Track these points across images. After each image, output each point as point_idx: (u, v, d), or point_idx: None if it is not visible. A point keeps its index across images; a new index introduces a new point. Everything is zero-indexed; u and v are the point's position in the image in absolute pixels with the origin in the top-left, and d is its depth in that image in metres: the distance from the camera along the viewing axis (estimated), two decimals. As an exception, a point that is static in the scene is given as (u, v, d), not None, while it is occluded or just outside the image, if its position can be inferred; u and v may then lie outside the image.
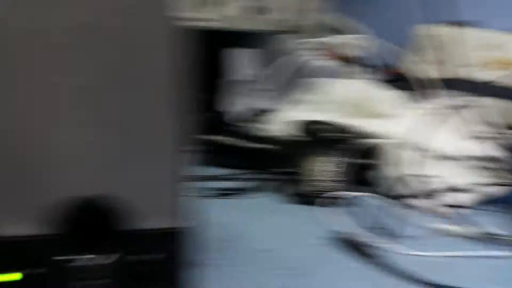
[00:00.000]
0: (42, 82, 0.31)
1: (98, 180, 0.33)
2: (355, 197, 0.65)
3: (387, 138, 0.71)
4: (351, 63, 0.95)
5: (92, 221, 0.33)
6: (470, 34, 0.92)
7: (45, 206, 0.32)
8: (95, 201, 0.33)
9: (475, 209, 0.63)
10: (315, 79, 0.87)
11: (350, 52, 0.96)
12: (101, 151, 0.33)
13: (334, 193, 0.64)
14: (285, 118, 0.76)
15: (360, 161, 0.68)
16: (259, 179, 0.66)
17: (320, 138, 0.65)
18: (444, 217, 0.60)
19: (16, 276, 0.32)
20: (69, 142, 0.32)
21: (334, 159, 0.65)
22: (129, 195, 0.33)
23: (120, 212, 0.33)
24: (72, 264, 0.33)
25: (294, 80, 0.87)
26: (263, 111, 0.87)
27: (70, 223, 0.33)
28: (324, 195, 0.64)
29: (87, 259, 0.33)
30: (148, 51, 0.32)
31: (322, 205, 0.63)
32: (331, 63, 0.94)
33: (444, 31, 0.92)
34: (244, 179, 0.68)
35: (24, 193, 0.32)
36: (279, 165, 0.67)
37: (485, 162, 0.68)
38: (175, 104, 0.33)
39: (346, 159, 0.66)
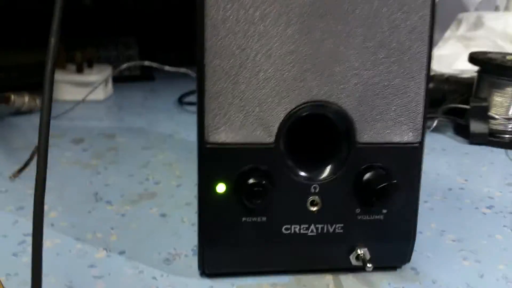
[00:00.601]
0: None
1: (337, 90, 0.28)
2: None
3: None
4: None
5: (328, 131, 0.29)
6: None
7: (268, 114, 0.28)
8: (331, 112, 0.29)
9: None
10: (472, 13, 0.78)
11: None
12: (352, 63, 0.28)
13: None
14: (445, 54, 0.68)
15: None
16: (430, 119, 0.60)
17: (497, 69, 0.57)
18: None
19: (224, 187, 0.29)
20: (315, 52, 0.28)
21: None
22: (373, 106, 0.29)
23: (359, 124, 0.29)
24: (295, 177, 0.29)
25: (451, 15, 0.78)
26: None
27: (301, 133, 0.29)
28: (506, 134, 0.57)
29: (319, 172, 0.30)
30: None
31: (503, 146, 0.56)
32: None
33: None
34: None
35: (246, 99, 0.28)
36: (451, 103, 0.60)
37: None
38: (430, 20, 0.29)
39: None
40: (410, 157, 0.30)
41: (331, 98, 0.29)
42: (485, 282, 0.32)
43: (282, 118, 0.29)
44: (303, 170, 0.30)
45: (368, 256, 0.30)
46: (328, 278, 0.31)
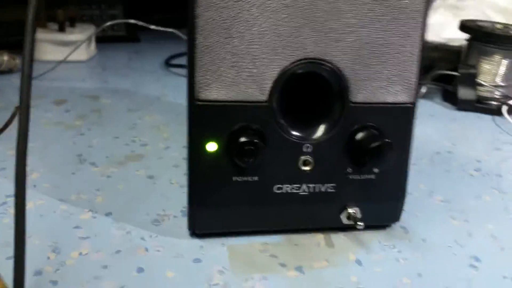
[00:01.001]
0: None
1: (333, 47, 0.27)
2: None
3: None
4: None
5: (322, 90, 0.29)
6: None
7: (261, 70, 0.27)
8: (326, 70, 0.28)
9: None
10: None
11: None
12: (349, 19, 0.27)
13: (504, 98, 0.57)
14: (435, 23, 0.68)
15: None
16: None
17: (486, 36, 0.56)
18: None
19: (215, 146, 0.28)
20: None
21: (503, 61, 0.57)
22: (367, 66, 0.28)
23: (354, 83, 0.28)
24: (289, 136, 0.29)
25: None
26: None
27: (293, 90, 0.28)
28: (493, 101, 0.57)
29: (312, 132, 0.29)
30: None
31: (489, 112, 0.56)
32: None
33: None
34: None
35: (239, 55, 0.27)
36: (440, 70, 0.60)
37: None
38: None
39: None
40: (403, 118, 0.30)
41: (326, 56, 0.28)
42: (473, 240, 0.32)
43: (276, 76, 0.28)
44: (296, 130, 0.29)
45: (359, 215, 0.31)
46: (319, 237, 0.31)
